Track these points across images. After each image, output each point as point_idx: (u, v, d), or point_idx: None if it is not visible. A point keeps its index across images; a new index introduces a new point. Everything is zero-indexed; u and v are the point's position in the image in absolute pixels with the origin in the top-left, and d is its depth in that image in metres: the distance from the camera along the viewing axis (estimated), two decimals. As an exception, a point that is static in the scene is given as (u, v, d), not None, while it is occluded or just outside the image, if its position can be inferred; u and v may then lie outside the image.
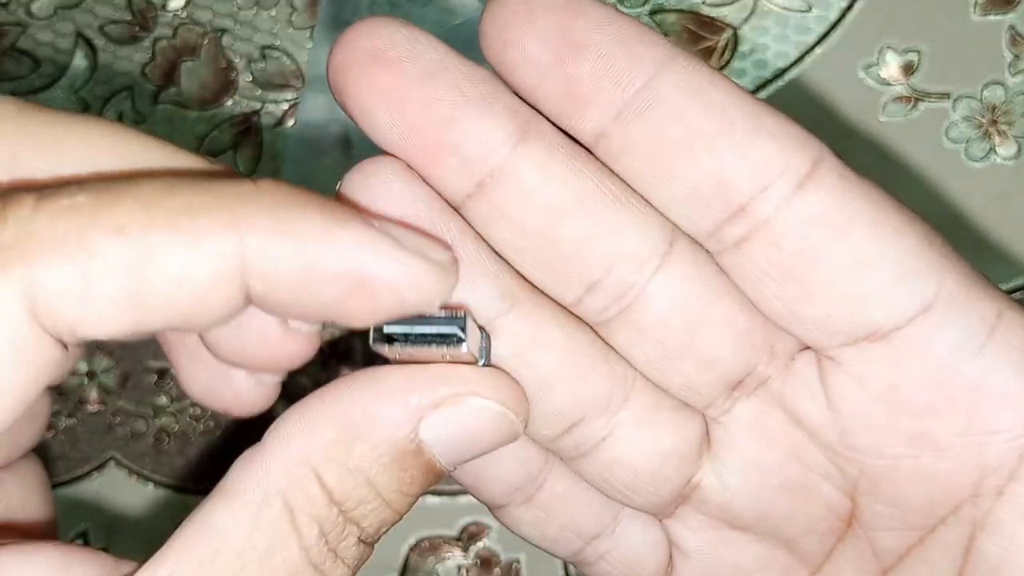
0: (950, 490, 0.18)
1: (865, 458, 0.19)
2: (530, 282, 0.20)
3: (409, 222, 0.18)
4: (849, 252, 0.18)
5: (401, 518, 0.18)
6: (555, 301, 0.20)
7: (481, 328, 0.19)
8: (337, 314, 0.17)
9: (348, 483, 0.17)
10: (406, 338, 0.18)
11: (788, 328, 0.19)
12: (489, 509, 0.22)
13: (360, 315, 0.17)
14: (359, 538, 0.18)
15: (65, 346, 0.16)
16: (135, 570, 0.17)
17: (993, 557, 0.18)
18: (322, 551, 0.17)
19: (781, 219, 0.18)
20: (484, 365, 0.19)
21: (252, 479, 0.17)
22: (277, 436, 0.17)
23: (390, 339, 0.18)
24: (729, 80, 0.18)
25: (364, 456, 0.17)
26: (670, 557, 0.22)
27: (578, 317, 0.20)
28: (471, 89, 0.18)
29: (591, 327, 0.20)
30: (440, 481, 0.19)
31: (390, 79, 0.17)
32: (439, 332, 0.18)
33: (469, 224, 0.19)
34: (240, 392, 0.20)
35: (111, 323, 0.15)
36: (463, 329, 0.18)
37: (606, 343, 0.20)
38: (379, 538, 0.18)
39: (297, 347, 0.19)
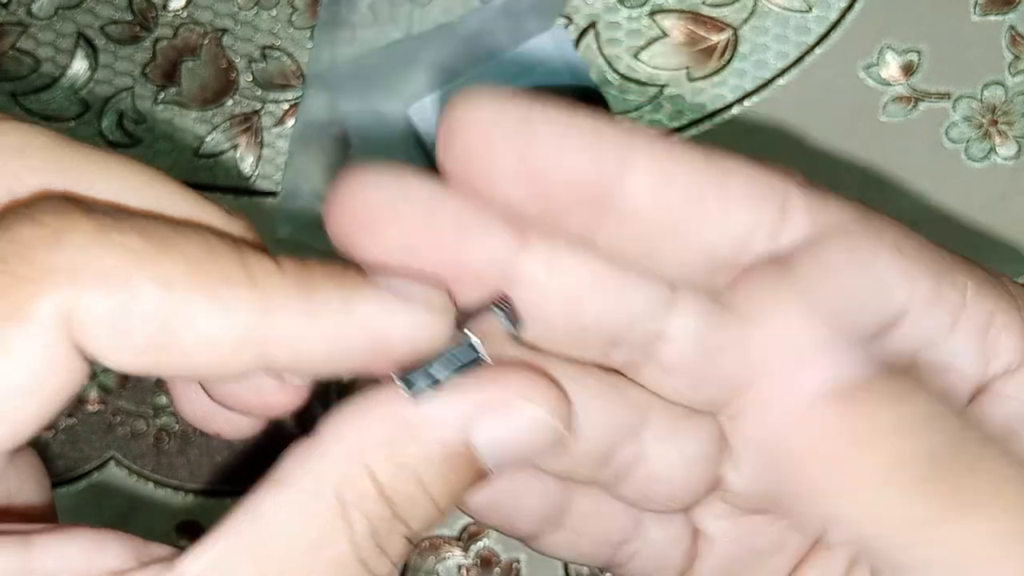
0: None
1: None
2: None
3: (403, 264, 0.19)
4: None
5: (444, 518, 0.19)
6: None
7: (499, 304, 0.19)
8: (353, 371, 0.18)
9: (399, 480, 0.18)
10: (435, 382, 0.18)
11: None
12: (523, 543, 0.23)
13: (375, 369, 0.18)
14: (405, 536, 0.18)
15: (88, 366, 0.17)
16: (172, 555, 0.17)
17: None
18: (370, 546, 0.17)
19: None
20: (517, 333, 0.19)
21: (305, 471, 0.18)
22: (331, 430, 0.18)
23: (420, 389, 0.18)
24: (690, 149, 0.18)
25: (416, 455, 0.18)
26: (695, 545, 0.23)
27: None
28: (467, 215, 0.19)
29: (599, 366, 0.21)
30: (487, 483, 0.19)
31: (396, 233, 0.18)
32: (461, 363, 0.18)
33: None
34: (232, 421, 0.21)
35: (130, 361, 0.17)
36: (477, 355, 0.18)
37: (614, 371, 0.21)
38: (423, 536, 0.19)
39: (289, 398, 0.20)
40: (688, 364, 0.20)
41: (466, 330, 0.19)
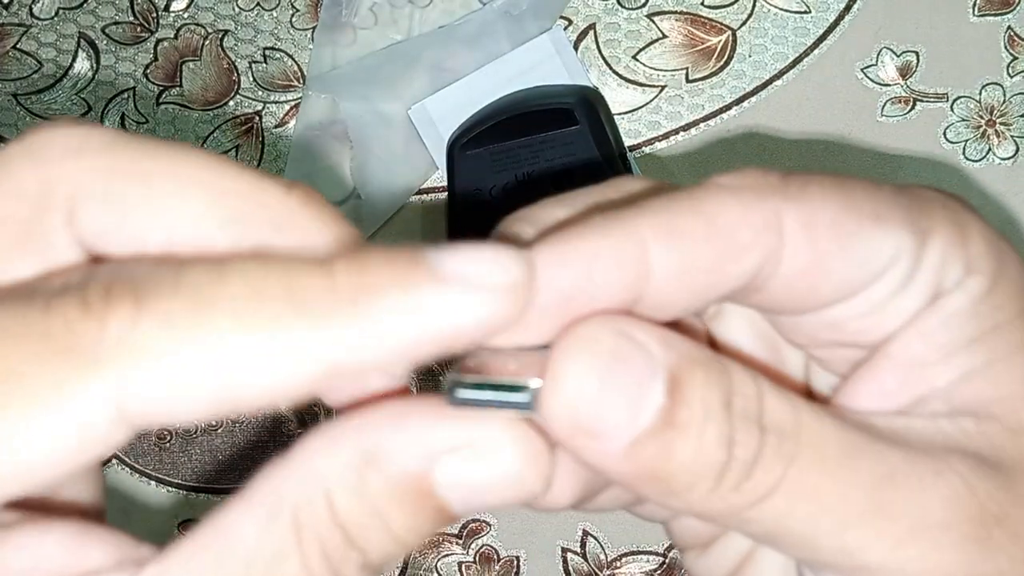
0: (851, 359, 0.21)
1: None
2: None
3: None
4: (829, 281, 0.19)
5: (409, 553, 0.19)
6: None
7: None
8: (425, 359, 0.17)
9: (357, 509, 0.18)
10: (477, 403, 0.18)
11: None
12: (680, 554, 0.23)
13: (451, 351, 0.17)
14: (363, 564, 0.18)
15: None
16: (152, 556, 0.17)
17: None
18: (322, 570, 0.18)
19: (769, 287, 0.19)
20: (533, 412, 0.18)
21: (269, 488, 0.18)
22: (301, 452, 0.18)
23: (463, 401, 0.18)
24: (695, 219, 0.19)
25: (376, 487, 0.18)
26: None
27: None
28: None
29: None
30: (452, 524, 0.19)
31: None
32: (511, 401, 0.18)
33: None
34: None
35: (183, 415, 0.17)
36: (531, 401, 0.18)
37: None
38: (385, 569, 0.19)
39: (388, 382, 0.20)
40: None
41: (534, 378, 0.18)
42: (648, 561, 0.43)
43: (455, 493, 0.18)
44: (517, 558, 0.42)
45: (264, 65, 0.44)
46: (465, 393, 0.18)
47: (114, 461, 0.43)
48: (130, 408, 0.16)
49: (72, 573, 0.17)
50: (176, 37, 0.44)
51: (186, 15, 0.44)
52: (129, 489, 0.43)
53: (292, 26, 0.44)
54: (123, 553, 0.18)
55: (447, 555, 0.42)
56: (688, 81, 0.43)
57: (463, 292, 0.17)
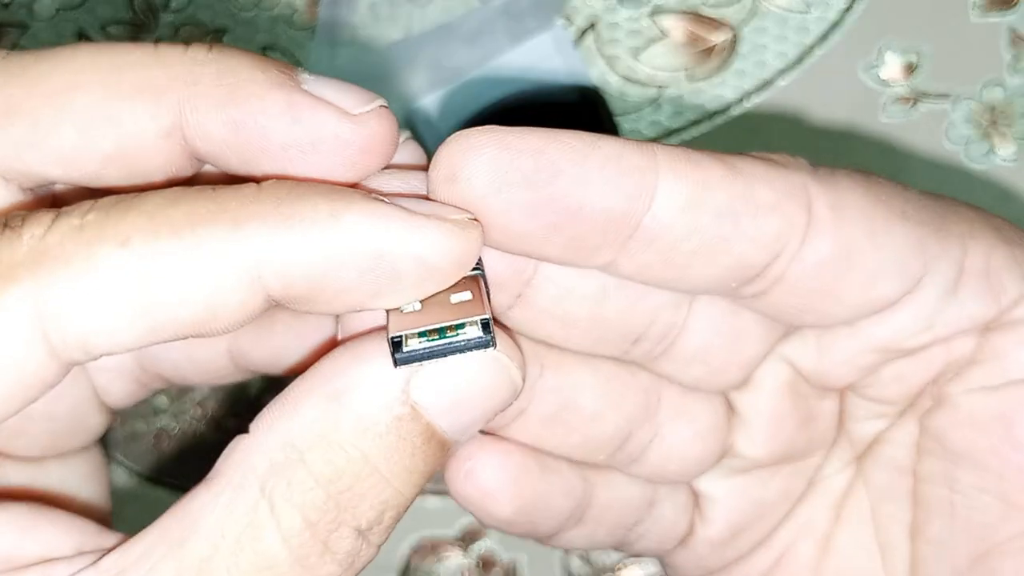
0: (918, 382, 0.20)
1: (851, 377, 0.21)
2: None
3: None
4: (855, 275, 0.19)
5: (409, 502, 0.17)
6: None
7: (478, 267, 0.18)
8: (364, 298, 0.16)
9: (338, 460, 0.16)
10: (427, 355, 0.16)
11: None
12: (540, 542, 0.22)
13: (387, 293, 0.16)
14: (356, 528, 0.16)
15: (69, 365, 0.16)
16: (116, 544, 0.17)
17: (939, 426, 0.20)
18: (306, 542, 0.16)
19: (792, 272, 0.18)
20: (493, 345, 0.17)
21: (231, 464, 0.16)
22: (261, 422, 0.17)
23: (409, 357, 0.16)
24: (713, 162, 0.17)
25: (353, 428, 0.16)
26: (696, 509, 0.23)
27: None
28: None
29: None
30: (449, 457, 0.18)
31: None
32: (464, 344, 0.16)
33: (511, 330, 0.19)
34: None
35: (122, 336, 0.16)
36: (491, 337, 0.16)
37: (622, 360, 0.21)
38: (385, 533, 0.17)
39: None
40: (710, 353, 0.20)
41: (483, 314, 0.16)
42: (650, 565, 0.43)
43: (440, 408, 0.17)
44: (518, 562, 0.42)
45: (263, 64, 0.44)
46: (411, 345, 0.16)
47: (112, 463, 0.42)
48: (51, 322, 0.15)
49: (23, 557, 0.16)
50: (175, 35, 0.44)
51: (185, 13, 0.44)
52: (128, 490, 0.42)
53: (291, 24, 0.44)
54: (84, 541, 0.17)
55: (447, 559, 0.42)
56: (689, 81, 0.43)
57: (402, 213, 0.16)
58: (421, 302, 0.17)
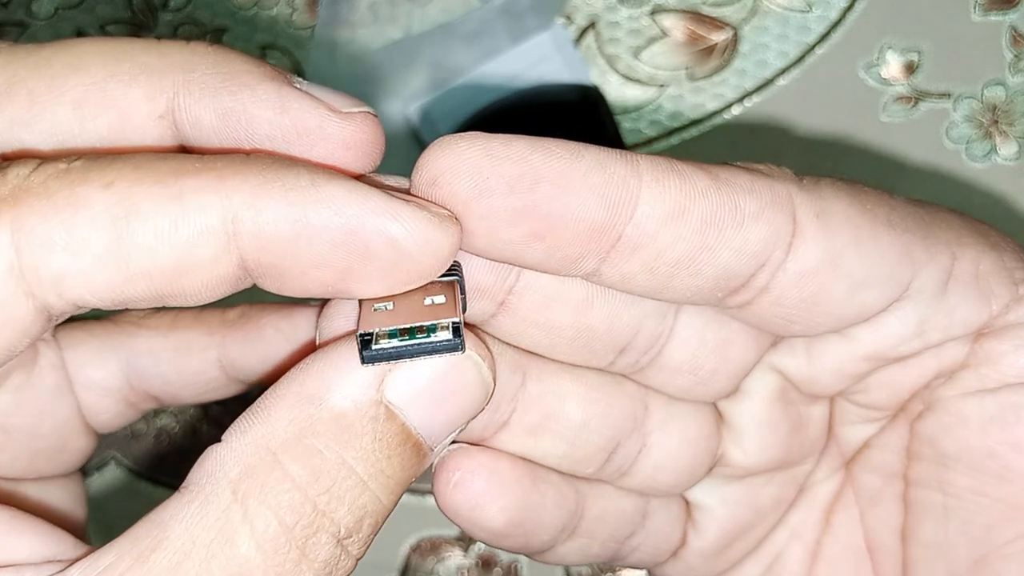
0: (909, 388, 0.20)
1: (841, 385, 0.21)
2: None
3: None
4: (842, 284, 0.18)
5: (387, 511, 0.17)
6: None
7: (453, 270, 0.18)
8: (335, 277, 0.16)
9: (314, 463, 0.16)
10: (396, 354, 0.16)
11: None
12: (532, 558, 0.22)
13: (360, 276, 0.16)
14: (335, 535, 0.16)
15: (49, 314, 0.16)
16: (86, 554, 0.16)
17: (932, 431, 0.20)
18: (282, 547, 0.15)
19: (778, 282, 0.18)
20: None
21: (204, 471, 0.16)
22: (234, 429, 0.16)
23: (377, 356, 0.16)
24: (697, 173, 0.17)
25: (328, 430, 0.16)
26: (689, 520, 0.23)
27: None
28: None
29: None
30: (426, 464, 0.17)
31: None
32: (433, 346, 0.16)
33: (494, 337, 0.19)
34: None
35: (95, 282, 0.15)
36: (460, 341, 0.16)
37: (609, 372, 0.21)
38: (364, 544, 0.17)
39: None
40: (697, 362, 0.20)
41: (455, 318, 0.16)
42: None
43: (415, 409, 0.16)
44: (517, 563, 0.42)
45: (263, 64, 0.44)
46: (381, 343, 0.16)
47: (112, 463, 0.42)
48: (27, 259, 0.15)
49: None
50: (175, 35, 0.44)
51: (184, 13, 0.44)
52: (128, 490, 0.42)
53: (290, 24, 0.44)
54: (53, 550, 0.17)
55: (446, 559, 0.42)
56: (690, 80, 0.43)
57: (375, 190, 0.16)
58: (394, 302, 0.17)
